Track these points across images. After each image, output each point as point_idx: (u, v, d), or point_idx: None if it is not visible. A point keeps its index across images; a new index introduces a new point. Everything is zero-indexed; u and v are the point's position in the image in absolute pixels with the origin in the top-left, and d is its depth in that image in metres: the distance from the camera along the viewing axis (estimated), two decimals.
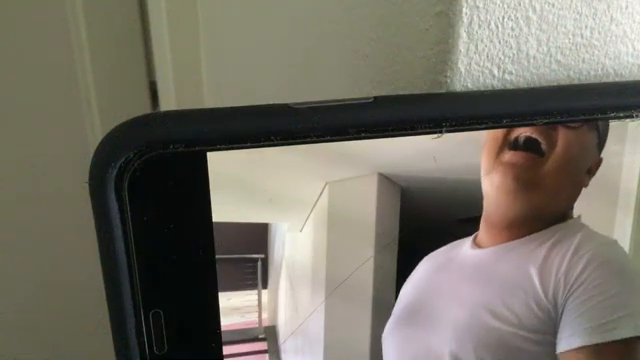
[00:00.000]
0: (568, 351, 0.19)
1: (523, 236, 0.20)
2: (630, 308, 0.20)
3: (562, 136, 0.18)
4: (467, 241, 0.22)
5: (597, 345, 0.19)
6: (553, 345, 0.20)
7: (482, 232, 0.21)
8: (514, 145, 0.18)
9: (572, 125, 0.19)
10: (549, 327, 0.19)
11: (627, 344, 0.19)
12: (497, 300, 0.19)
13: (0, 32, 0.57)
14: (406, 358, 0.21)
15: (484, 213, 0.21)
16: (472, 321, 0.20)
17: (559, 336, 0.19)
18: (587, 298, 0.19)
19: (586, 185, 0.20)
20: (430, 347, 0.21)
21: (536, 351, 0.20)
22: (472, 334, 0.20)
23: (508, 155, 0.18)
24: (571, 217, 0.21)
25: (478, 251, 0.21)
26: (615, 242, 0.21)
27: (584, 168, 0.20)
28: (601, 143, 0.20)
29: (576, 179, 0.19)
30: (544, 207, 0.19)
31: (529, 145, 0.18)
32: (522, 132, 0.18)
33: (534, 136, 0.19)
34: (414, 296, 0.21)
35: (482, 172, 0.19)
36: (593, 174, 0.20)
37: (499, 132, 0.19)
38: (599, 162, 0.20)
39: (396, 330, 0.21)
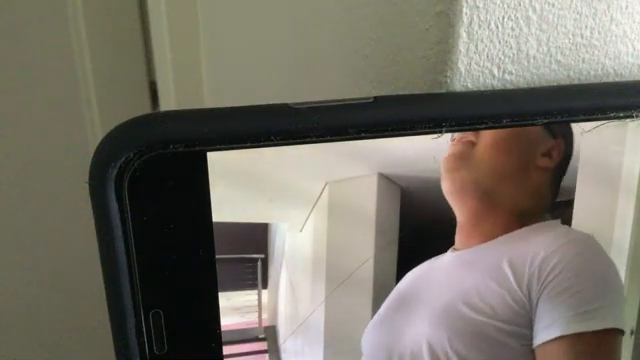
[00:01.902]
0: (546, 342, 0.19)
1: (497, 237, 0.20)
2: (608, 300, 0.20)
3: (490, 132, 0.19)
4: (448, 251, 0.22)
5: (576, 335, 0.19)
6: (527, 338, 0.20)
7: (457, 238, 0.22)
8: (454, 144, 0.19)
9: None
10: (524, 319, 0.19)
11: (606, 335, 0.19)
12: (472, 293, 0.20)
13: (0, 32, 0.57)
14: (383, 351, 0.22)
15: (457, 215, 0.22)
16: (447, 310, 0.20)
17: (536, 327, 0.19)
18: (563, 289, 0.19)
19: (545, 167, 0.20)
20: (407, 339, 0.21)
21: (510, 343, 0.20)
22: (447, 323, 0.20)
23: (445, 155, 0.19)
24: (547, 219, 0.21)
25: (455, 253, 0.21)
26: (591, 237, 0.21)
27: (531, 153, 0.19)
28: (550, 127, 0.20)
29: (520, 162, 0.19)
30: (496, 192, 0.20)
31: (461, 140, 0.19)
32: (458, 136, 0.19)
33: (467, 137, 0.19)
34: (393, 299, 0.22)
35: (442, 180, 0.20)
36: (554, 157, 0.20)
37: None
38: (556, 145, 0.20)
39: (373, 329, 0.22)
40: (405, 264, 0.23)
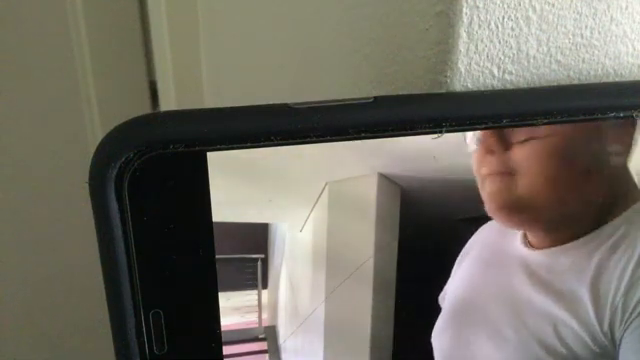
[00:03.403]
0: None
1: (577, 238, 0.16)
2: None
3: (520, 153, 0.16)
4: (515, 237, 0.18)
5: None
6: None
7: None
8: (488, 179, 0.17)
9: (524, 137, 0.17)
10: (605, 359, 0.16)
11: None
12: (548, 330, 0.16)
13: (0, 32, 0.57)
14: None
15: None
16: (521, 348, 0.17)
17: None
18: None
19: (622, 152, 0.16)
20: (477, 356, 0.18)
21: None
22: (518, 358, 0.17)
23: (487, 187, 0.16)
24: (623, 212, 0.17)
25: (532, 252, 0.17)
26: None
27: (581, 162, 0.16)
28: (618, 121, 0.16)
29: (578, 171, 0.16)
30: (564, 214, 0.16)
31: (495, 176, 0.17)
32: (487, 169, 0.16)
33: (497, 169, 0.17)
34: (464, 294, 0.18)
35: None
36: (626, 136, 0.16)
37: (477, 163, 0.17)
38: (626, 133, 0.16)
39: (446, 331, 0.19)
40: (405, 264, 0.23)
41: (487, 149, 0.16)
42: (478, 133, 0.16)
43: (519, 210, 0.15)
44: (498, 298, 0.17)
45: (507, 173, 0.16)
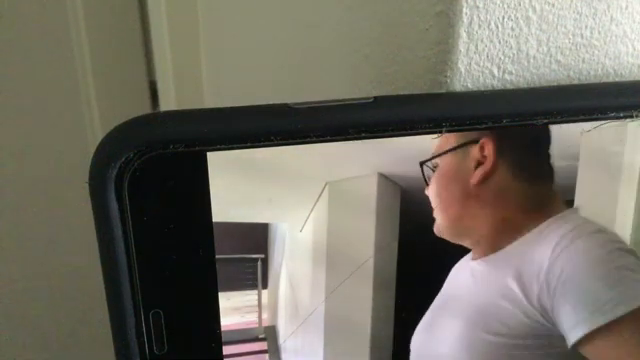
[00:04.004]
0: (578, 340, 0.20)
1: (494, 249, 0.21)
2: (619, 287, 0.20)
3: (429, 177, 0.20)
4: (471, 253, 0.22)
5: (602, 327, 0.19)
6: (547, 347, 0.20)
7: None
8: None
9: (428, 170, 0.20)
10: (542, 330, 0.20)
11: (632, 318, 0.19)
12: (489, 316, 0.20)
13: (0, 32, 0.57)
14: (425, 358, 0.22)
15: None
16: (467, 334, 0.21)
17: (563, 329, 0.20)
18: (575, 295, 0.19)
19: (485, 176, 0.20)
20: (440, 356, 0.22)
21: (530, 355, 0.20)
22: (468, 347, 0.21)
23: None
24: (550, 215, 0.21)
25: (472, 263, 0.21)
26: (599, 229, 0.21)
27: (463, 177, 0.20)
28: (466, 141, 0.20)
29: (457, 189, 0.20)
30: (457, 222, 0.20)
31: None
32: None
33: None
34: (435, 302, 0.22)
35: None
36: (488, 158, 0.20)
37: None
38: (481, 146, 0.20)
39: (417, 334, 0.22)
40: (405, 264, 0.23)
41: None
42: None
43: (441, 232, 0.20)
44: (453, 306, 0.22)
45: (432, 208, 0.21)
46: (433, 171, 0.20)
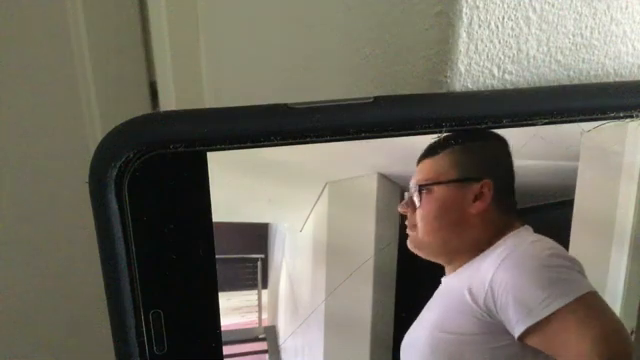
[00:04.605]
0: (521, 335, 0.23)
1: (461, 265, 0.24)
2: (551, 288, 0.23)
3: (418, 214, 0.23)
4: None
5: (537, 323, 0.23)
6: (494, 341, 0.23)
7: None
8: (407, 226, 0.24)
9: (418, 205, 0.23)
10: (489, 327, 0.23)
11: (572, 308, 0.23)
12: (447, 319, 0.24)
13: (0, 32, 0.57)
14: None
15: None
16: (429, 334, 0.24)
17: (509, 326, 0.23)
18: (514, 298, 0.23)
19: (483, 209, 0.23)
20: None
21: (481, 347, 0.24)
22: (430, 345, 0.24)
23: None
24: (509, 232, 0.24)
25: (445, 278, 0.24)
26: (540, 239, 0.24)
27: (462, 206, 0.23)
28: (475, 175, 0.23)
29: (454, 222, 0.23)
30: (450, 249, 0.24)
31: (407, 204, 0.23)
32: (407, 221, 0.23)
33: (411, 222, 0.23)
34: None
35: None
36: (486, 196, 0.23)
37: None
38: (483, 185, 0.23)
39: (402, 350, 0.25)
40: (405, 264, 0.23)
41: (406, 210, 0.23)
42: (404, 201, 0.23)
43: (421, 249, 0.23)
44: (423, 320, 0.25)
45: (414, 226, 0.23)
46: (419, 193, 0.23)
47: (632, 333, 0.25)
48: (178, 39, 0.47)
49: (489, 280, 0.23)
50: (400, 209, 0.23)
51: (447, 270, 0.24)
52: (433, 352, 0.24)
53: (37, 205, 0.63)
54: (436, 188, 0.23)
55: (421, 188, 0.22)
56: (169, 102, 0.52)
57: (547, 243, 0.24)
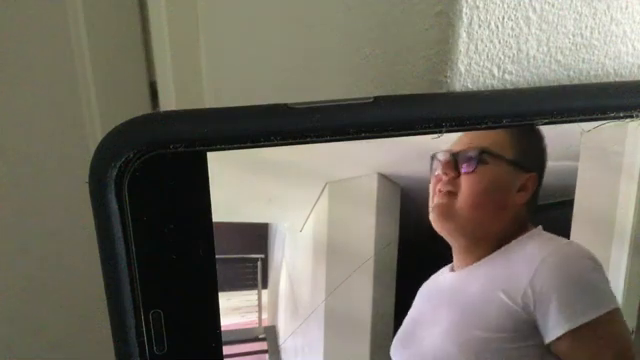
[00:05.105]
0: (555, 339, 0.22)
1: (485, 256, 0.22)
2: (596, 293, 0.23)
3: (464, 180, 0.22)
4: (447, 268, 0.24)
5: (576, 329, 0.22)
6: (524, 340, 0.23)
7: (454, 258, 0.24)
8: (438, 194, 0.22)
9: (468, 170, 0.21)
10: (522, 326, 0.22)
11: (604, 319, 0.22)
12: (476, 317, 0.23)
13: (0, 32, 0.57)
14: None
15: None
16: (457, 331, 0.23)
17: (543, 328, 0.22)
18: (555, 303, 0.22)
19: (523, 202, 0.22)
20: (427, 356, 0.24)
21: (513, 348, 0.23)
22: (459, 344, 0.23)
23: (435, 199, 0.22)
24: (526, 231, 0.23)
25: (452, 274, 0.23)
26: (570, 242, 0.23)
27: (508, 194, 0.22)
28: (526, 165, 0.22)
29: (495, 205, 0.22)
30: (480, 232, 0.22)
31: (443, 192, 0.22)
32: (440, 186, 0.22)
33: (447, 188, 0.22)
34: (408, 321, 0.24)
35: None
36: (529, 189, 0.22)
37: (434, 184, 0.22)
38: (530, 178, 0.22)
39: (395, 353, 0.24)
40: (405, 264, 0.23)
41: (445, 173, 0.21)
42: (440, 163, 0.21)
43: (451, 221, 0.22)
44: (430, 321, 0.23)
45: (451, 193, 0.21)
46: (477, 159, 0.21)
47: (632, 333, 0.25)
48: (178, 39, 0.47)
49: (529, 279, 0.22)
50: (440, 171, 0.21)
51: (457, 262, 0.23)
52: (462, 352, 0.23)
53: (37, 205, 0.63)
54: (494, 161, 0.21)
55: (483, 154, 0.21)
56: (169, 102, 0.52)
57: (582, 248, 0.23)
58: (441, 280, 0.23)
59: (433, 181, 0.22)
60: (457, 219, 0.22)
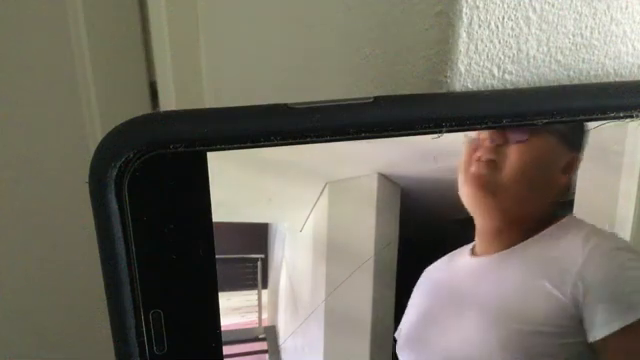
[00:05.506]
0: (605, 337, 0.20)
1: (520, 241, 0.20)
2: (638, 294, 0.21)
3: (513, 150, 0.19)
4: (464, 251, 0.22)
5: (626, 327, 0.20)
6: (566, 336, 0.21)
7: (478, 241, 0.22)
8: (476, 162, 0.20)
9: (521, 139, 0.19)
10: (569, 322, 0.20)
11: None
12: (521, 310, 0.20)
13: (0, 32, 0.57)
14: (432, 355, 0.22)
15: (476, 223, 0.21)
16: (497, 325, 0.21)
17: (591, 323, 0.20)
18: (607, 295, 0.20)
19: (566, 183, 0.20)
20: (461, 351, 0.22)
21: (555, 343, 0.21)
22: (499, 338, 0.21)
23: (472, 168, 0.20)
24: (564, 216, 0.21)
25: (476, 260, 0.21)
26: (613, 233, 0.22)
27: (553, 172, 0.20)
28: (571, 143, 0.20)
29: (541, 183, 0.20)
30: (520, 211, 0.20)
31: (482, 160, 0.20)
32: (481, 154, 0.20)
33: (490, 157, 0.20)
34: (415, 316, 0.22)
35: (459, 186, 0.20)
36: (573, 170, 0.20)
37: (470, 150, 0.20)
38: (574, 159, 0.20)
39: (404, 349, 0.22)
40: (405, 264, 0.23)
41: (491, 138, 0.19)
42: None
43: (492, 193, 0.19)
44: (455, 309, 0.21)
45: (493, 163, 0.19)
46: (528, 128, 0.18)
47: None
48: (178, 39, 0.47)
49: (577, 269, 0.20)
50: (483, 136, 0.19)
51: (484, 246, 0.21)
52: (504, 347, 0.20)
53: (37, 205, 0.63)
54: (547, 133, 0.19)
55: (536, 121, 0.18)
56: (169, 102, 0.52)
57: (624, 240, 0.21)
58: (460, 266, 0.21)
59: (469, 148, 0.19)
60: (499, 194, 0.19)
